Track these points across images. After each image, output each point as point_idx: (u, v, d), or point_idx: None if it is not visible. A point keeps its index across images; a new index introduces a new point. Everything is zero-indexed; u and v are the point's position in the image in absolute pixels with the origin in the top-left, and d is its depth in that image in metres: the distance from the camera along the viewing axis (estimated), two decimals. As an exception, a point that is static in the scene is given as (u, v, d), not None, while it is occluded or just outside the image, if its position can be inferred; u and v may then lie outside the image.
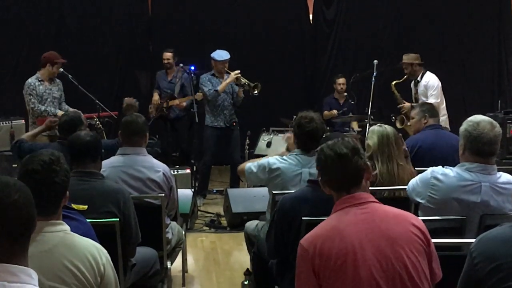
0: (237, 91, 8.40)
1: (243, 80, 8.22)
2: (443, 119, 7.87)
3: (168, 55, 9.14)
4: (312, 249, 2.65)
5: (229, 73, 8.27)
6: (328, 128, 9.42)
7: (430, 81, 8.04)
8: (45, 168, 2.70)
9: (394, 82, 8.53)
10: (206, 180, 8.63)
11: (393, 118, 8.41)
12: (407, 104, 8.22)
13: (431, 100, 7.85)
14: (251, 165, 4.78)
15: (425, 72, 8.18)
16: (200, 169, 8.37)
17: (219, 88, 8.21)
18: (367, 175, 2.85)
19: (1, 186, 1.96)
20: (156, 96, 9.17)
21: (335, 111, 9.83)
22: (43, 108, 7.67)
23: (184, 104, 8.71)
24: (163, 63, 9.21)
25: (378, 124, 4.84)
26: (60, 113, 7.76)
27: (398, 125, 8.48)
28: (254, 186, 7.10)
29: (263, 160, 4.72)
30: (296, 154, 4.58)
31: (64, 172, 2.76)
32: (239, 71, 8.22)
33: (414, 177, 4.66)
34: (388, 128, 4.74)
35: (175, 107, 9.07)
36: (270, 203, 4.42)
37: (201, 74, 8.49)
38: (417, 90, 8.23)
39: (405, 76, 8.33)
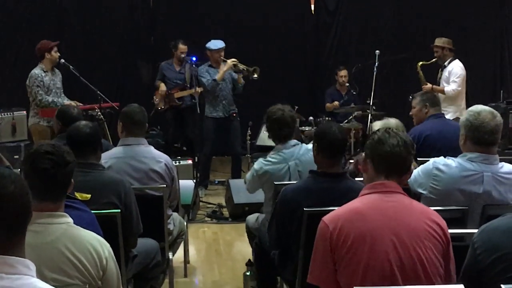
0: (236, 78, 8.34)
1: (241, 66, 8.18)
2: (462, 107, 7.89)
3: (185, 47, 8.97)
4: (332, 226, 2.66)
5: (226, 62, 8.21)
6: (329, 118, 9.46)
7: (454, 68, 8.10)
8: (58, 150, 2.73)
9: (420, 63, 8.50)
10: (207, 171, 8.62)
11: (411, 97, 8.32)
12: (428, 86, 8.18)
13: (452, 86, 7.97)
14: (247, 176, 4.93)
15: (453, 59, 8.21)
16: (201, 160, 8.36)
17: (217, 77, 8.16)
18: (409, 174, 2.88)
19: None
20: (163, 87, 9.06)
21: (336, 103, 9.82)
22: (50, 99, 7.63)
23: (198, 92, 8.56)
24: (177, 55, 9.00)
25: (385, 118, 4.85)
26: (67, 102, 7.75)
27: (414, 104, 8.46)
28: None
29: (252, 168, 4.82)
30: (278, 151, 4.65)
31: (72, 155, 2.80)
32: (235, 59, 8.17)
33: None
34: (391, 120, 4.76)
35: (186, 97, 9.00)
36: (272, 194, 4.41)
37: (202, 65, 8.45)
38: (441, 75, 8.24)
39: (434, 59, 8.33)
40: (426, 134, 5.40)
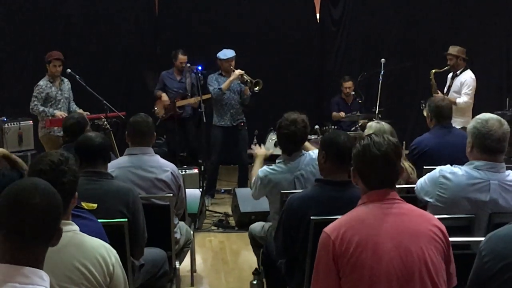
0: (243, 90, 8.37)
1: (246, 78, 8.20)
2: (470, 118, 7.84)
3: (185, 58, 9.07)
4: (334, 235, 2.66)
5: (234, 72, 8.24)
6: (335, 127, 9.46)
7: (467, 79, 8.03)
8: (54, 169, 2.72)
9: (433, 70, 8.43)
10: (214, 180, 8.63)
11: (423, 105, 8.30)
12: (438, 95, 8.14)
13: (464, 99, 7.91)
14: (252, 181, 4.84)
15: (465, 69, 8.15)
16: (208, 169, 8.37)
17: (223, 86, 8.19)
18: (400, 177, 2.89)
19: (26, 188, 1.98)
20: (165, 97, 9.11)
21: (342, 113, 9.82)
22: (41, 108, 7.83)
23: (197, 103, 8.64)
24: (176, 65, 9.12)
25: (376, 121, 4.85)
26: (58, 113, 7.80)
27: (425, 113, 8.44)
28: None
29: (257, 175, 4.72)
30: (283, 161, 4.60)
31: (72, 172, 2.77)
32: (242, 70, 8.19)
33: (409, 172, 4.66)
34: (385, 125, 4.77)
35: (187, 106, 9.06)
36: (279, 203, 4.40)
37: (208, 74, 8.48)
38: (452, 83, 8.19)
39: (447, 67, 8.27)
40: (425, 150, 5.38)
